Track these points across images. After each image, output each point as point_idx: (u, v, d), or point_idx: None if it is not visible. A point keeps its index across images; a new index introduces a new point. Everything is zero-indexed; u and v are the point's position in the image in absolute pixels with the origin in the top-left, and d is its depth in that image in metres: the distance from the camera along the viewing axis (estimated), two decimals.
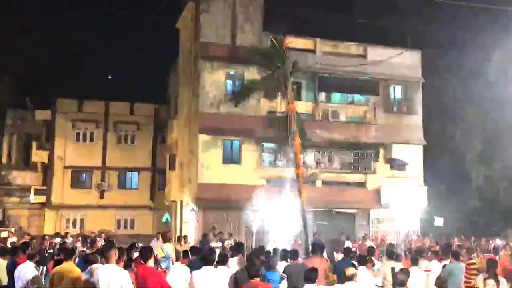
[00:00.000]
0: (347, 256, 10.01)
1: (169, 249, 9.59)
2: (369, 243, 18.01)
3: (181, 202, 25.09)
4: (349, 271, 6.85)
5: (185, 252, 9.93)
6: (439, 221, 23.18)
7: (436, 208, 24.67)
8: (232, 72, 22.52)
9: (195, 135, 22.40)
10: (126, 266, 7.32)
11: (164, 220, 26.89)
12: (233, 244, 15.89)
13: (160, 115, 31.82)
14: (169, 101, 30.21)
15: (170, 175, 27.91)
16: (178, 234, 23.76)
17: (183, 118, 25.96)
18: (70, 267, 6.94)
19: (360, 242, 18.78)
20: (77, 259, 8.77)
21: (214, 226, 20.20)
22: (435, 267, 10.83)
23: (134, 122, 31.65)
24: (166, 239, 9.78)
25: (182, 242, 18.90)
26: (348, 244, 18.26)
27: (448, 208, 26.08)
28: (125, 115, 31.62)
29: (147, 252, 7.11)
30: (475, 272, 10.52)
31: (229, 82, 22.65)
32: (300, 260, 9.74)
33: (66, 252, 7.47)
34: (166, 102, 30.89)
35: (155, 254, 8.71)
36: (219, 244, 16.96)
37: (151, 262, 7.05)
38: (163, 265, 9.04)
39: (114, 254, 6.10)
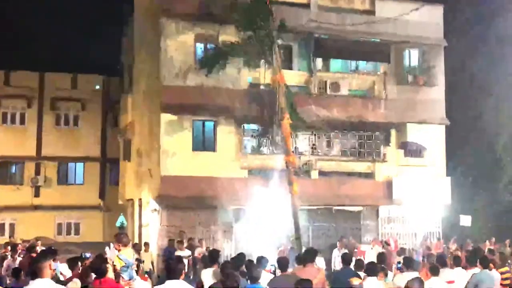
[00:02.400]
0: (347, 263, 10.08)
1: (128, 254, 9.55)
2: (376, 249, 18.24)
3: (140, 200, 25.06)
4: (354, 281, 6.89)
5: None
6: (465, 221, 23.49)
7: (461, 205, 24.98)
8: (203, 33, 22.32)
9: (157, 115, 22.29)
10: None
11: (118, 224, 26.91)
12: (206, 252, 15.98)
13: (110, 89, 31.58)
14: (122, 71, 29.93)
15: (124, 167, 27.86)
16: (136, 240, 23.77)
17: (140, 93, 25.82)
18: None
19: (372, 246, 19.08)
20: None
21: (183, 230, 20.18)
22: (460, 277, 10.96)
23: (77, 98, 31.45)
24: (122, 243, 9.73)
25: (143, 251, 18.94)
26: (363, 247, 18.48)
27: (477, 204, 26.44)
28: (65, 89, 31.36)
29: (101, 263, 7.03)
30: (509, 282, 10.70)
31: (200, 46, 22.52)
32: (290, 270, 9.77)
33: None
34: (119, 73, 30.60)
35: (114, 265, 8.68)
36: (188, 252, 16.98)
37: (110, 275, 6.94)
38: (125, 276, 9.01)
39: (47, 266, 6.03)
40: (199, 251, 17.20)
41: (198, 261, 17.00)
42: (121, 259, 9.27)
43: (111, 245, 9.74)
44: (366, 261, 11.54)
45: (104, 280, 7.20)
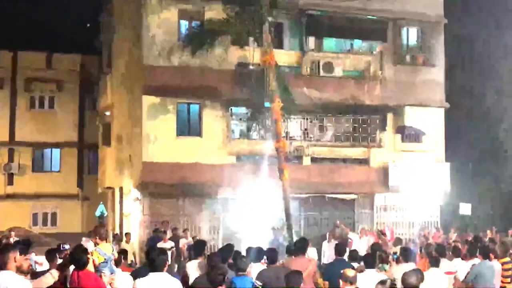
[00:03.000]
0: (341, 254, 10.14)
1: (106, 249, 9.52)
2: (364, 239, 18.32)
3: (121, 189, 25.07)
4: (348, 272, 6.93)
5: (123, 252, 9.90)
6: (465, 209, 23.66)
7: (461, 192, 25.13)
8: (187, 9, 22.15)
9: (138, 97, 22.24)
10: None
11: (97, 213, 26.91)
12: (191, 243, 16.02)
13: (88, 69, 31.35)
14: (100, 50, 29.70)
15: (104, 153, 27.82)
16: (117, 231, 23.80)
17: (120, 73, 25.72)
18: None
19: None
20: None
21: (166, 220, 20.15)
22: (460, 268, 11.08)
23: (53, 79, 31.23)
24: (100, 236, 9.69)
25: (124, 242, 18.97)
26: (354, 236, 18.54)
27: (478, 192, 26.60)
28: (40, 69, 31.13)
29: (80, 254, 7.00)
30: (510, 273, 10.81)
31: (184, 23, 22.41)
32: (281, 261, 9.82)
33: None
34: (97, 52, 30.37)
35: (92, 259, 8.70)
36: (171, 244, 16.99)
37: (90, 267, 6.92)
38: (106, 271, 9.01)
39: (11, 258, 6.04)
40: (184, 242, 17.24)
41: (182, 253, 17.09)
42: (99, 254, 9.25)
43: (83, 239, 9.71)
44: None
45: (84, 273, 7.18)
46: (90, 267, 7.42)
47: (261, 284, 8.33)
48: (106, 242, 9.97)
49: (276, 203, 19.81)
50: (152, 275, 7.20)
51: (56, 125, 31.17)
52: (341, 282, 6.84)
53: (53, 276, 6.99)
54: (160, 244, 16.39)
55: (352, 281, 6.90)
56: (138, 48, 22.33)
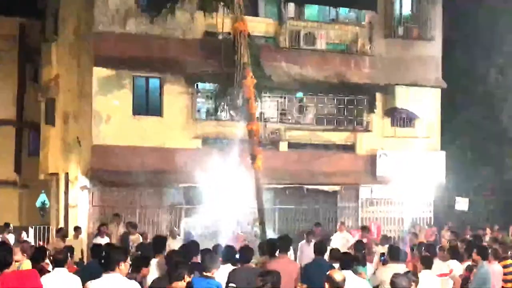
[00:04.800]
0: (321, 253, 10.25)
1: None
2: (344, 235, 18.49)
3: (66, 175, 24.93)
4: (335, 274, 6.96)
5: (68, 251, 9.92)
6: (462, 204, 24.02)
7: (458, 185, 25.50)
8: None
9: (88, 69, 22.08)
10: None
11: (38, 204, 26.75)
12: (139, 241, 16.10)
13: (30, 36, 30.89)
14: (44, 13, 29.31)
15: (47, 133, 27.59)
16: (62, 224, 23.68)
17: (67, 41, 25.47)
18: None
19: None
20: None
21: (117, 213, 20.20)
22: (455, 270, 11.30)
23: None
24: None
25: (71, 237, 18.95)
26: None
27: (476, 184, 26.95)
28: None
29: (4, 253, 7.04)
30: None
31: None
32: (255, 261, 9.91)
33: None
34: (40, 16, 29.97)
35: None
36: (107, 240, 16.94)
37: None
38: None
39: None
40: (134, 238, 17.18)
41: (128, 252, 17.05)
42: None
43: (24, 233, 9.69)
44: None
45: (6, 275, 7.13)
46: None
47: (235, 286, 8.40)
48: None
49: (247, 194, 19.88)
50: (105, 276, 7.26)
51: None
52: (326, 285, 6.84)
53: None
54: (97, 240, 16.40)
55: (340, 285, 6.90)
56: (89, 11, 22.12)
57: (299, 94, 24.19)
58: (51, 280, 8.41)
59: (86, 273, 8.87)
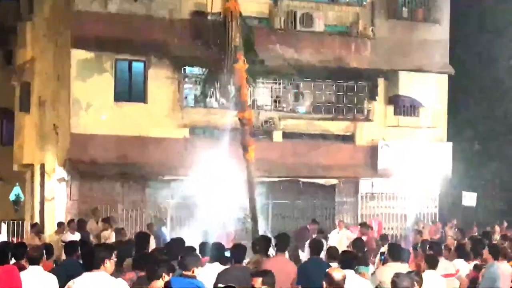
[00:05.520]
0: (317, 252, 10.17)
1: None
2: (343, 233, 18.45)
3: (42, 166, 24.96)
4: (335, 273, 6.88)
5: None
6: (469, 199, 24.05)
7: (465, 179, 25.49)
8: None
9: (66, 51, 22.09)
10: None
11: (12, 197, 26.83)
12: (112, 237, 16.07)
13: (2, 15, 30.67)
14: None
15: (22, 121, 27.52)
16: (37, 219, 23.67)
17: (44, 20, 25.42)
18: None
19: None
20: None
21: (96, 208, 20.16)
22: (461, 270, 11.19)
23: None
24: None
25: (52, 232, 18.89)
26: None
27: (485, 178, 26.97)
28: None
29: None
30: None
31: None
32: (247, 260, 9.83)
33: None
34: None
35: None
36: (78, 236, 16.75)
37: None
38: None
39: None
40: (106, 234, 17.03)
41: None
42: None
43: None
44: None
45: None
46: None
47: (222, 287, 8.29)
48: None
49: (238, 188, 19.80)
50: (86, 275, 7.38)
51: None
52: (324, 284, 6.80)
53: None
54: (66, 237, 16.26)
55: (340, 284, 6.86)
56: None
57: (295, 80, 24.07)
58: (25, 278, 8.42)
59: (62, 272, 8.88)
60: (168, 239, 18.98)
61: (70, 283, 7.44)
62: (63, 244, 12.84)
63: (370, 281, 9.82)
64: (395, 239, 17.49)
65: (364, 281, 9.34)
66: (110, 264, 7.38)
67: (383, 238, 17.23)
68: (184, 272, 8.10)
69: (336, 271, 7.03)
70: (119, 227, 18.49)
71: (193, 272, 8.08)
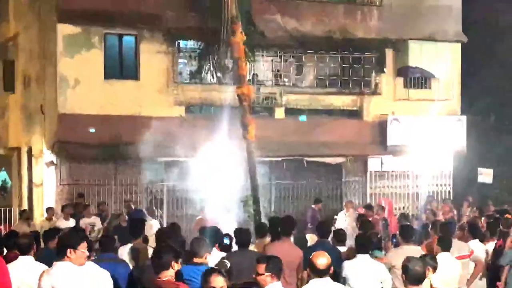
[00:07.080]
0: (324, 235, 10.21)
1: None
2: (351, 214, 18.55)
3: (29, 149, 25.00)
4: (318, 260, 6.93)
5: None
6: (485, 176, 24.05)
7: (480, 154, 25.48)
8: None
9: (51, 26, 22.04)
10: None
11: None
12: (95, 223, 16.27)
13: None
14: None
15: (6, 101, 27.71)
16: (25, 205, 23.80)
17: None
18: None
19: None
20: None
21: (82, 193, 20.44)
22: (476, 251, 11.26)
23: None
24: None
25: (43, 219, 19.01)
26: None
27: (501, 154, 26.96)
28: None
29: None
30: None
31: None
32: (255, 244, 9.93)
33: None
34: None
35: None
36: (68, 222, 16.90)
37: None
38: None
39: None
40: (85, 223, 17.09)
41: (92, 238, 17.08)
42: None
43: None
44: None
45: None
46: None
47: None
48: None
49: (238, 169, 19.87)
50: (59, 265, 7.28)
51: None
52: (306, 273, 6.86)
53: None
54: (60, 223, 16.44)
55: (323, 272, 6.90)
56: None
57: (297, 53, 24.06)
58: (15, 269, 8.36)
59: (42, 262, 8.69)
60: (165, 224, 19.26)
61: (42, 272, 7.40)
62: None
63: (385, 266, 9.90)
64: (404, 220, 17.50)
65: (379, 264, 9.45)
66: (75, 253, 7.18)
67: (403, 217, 17.31)
68: (194, 259, 8.06)
69: (320, 257, 7.03)
70: (117, 212, 18.76)
71: (205, 258, 8.07)
